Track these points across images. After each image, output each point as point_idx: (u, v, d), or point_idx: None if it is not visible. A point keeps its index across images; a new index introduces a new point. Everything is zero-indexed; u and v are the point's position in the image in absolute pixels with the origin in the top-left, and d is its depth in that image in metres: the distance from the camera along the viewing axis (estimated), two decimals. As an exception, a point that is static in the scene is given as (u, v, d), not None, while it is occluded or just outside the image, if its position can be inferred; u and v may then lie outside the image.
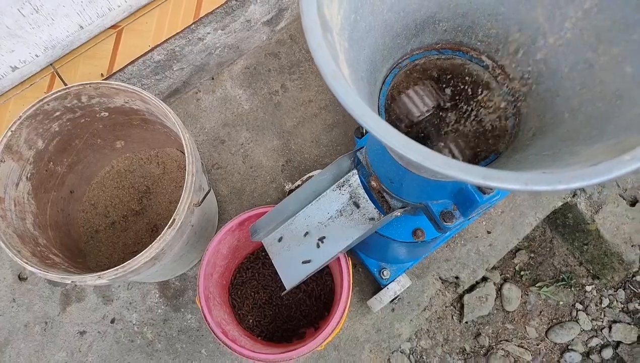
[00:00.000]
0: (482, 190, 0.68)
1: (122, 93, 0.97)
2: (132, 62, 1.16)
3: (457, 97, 0.74)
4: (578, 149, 0.47)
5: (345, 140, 1.35)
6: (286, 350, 0.94)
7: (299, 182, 1.21)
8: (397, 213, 0.81)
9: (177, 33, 1.19)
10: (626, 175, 0.38)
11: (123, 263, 0.86)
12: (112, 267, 0.86)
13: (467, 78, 0.71)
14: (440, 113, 0.75)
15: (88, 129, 1.08)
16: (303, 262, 0.94)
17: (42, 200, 1.06)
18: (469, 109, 0.72)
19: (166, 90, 1.33)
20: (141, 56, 1.17)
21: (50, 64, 1.13)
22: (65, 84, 1.13)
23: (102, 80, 1.15)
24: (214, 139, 1.35)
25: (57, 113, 0.99)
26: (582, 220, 1.31)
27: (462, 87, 0.73)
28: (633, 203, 1.30)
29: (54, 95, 0.94)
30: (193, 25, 1.20)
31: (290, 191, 1.23)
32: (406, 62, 0.71)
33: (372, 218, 0.88)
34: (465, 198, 0.70)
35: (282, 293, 1.02)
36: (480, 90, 0.71)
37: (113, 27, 1.18)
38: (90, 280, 0.85)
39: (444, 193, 0.74)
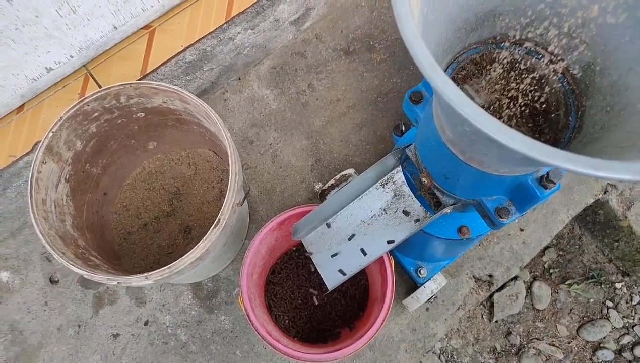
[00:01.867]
0: (543, 184, 0.67)
1: (161, 93, 0.97)
2: (165, 62, 1.16)
3: (514, 91, 0.74)
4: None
5: (374, 139, 1.35)
6: (329, 350, 0.93)
7: (332, 181, 1.21)
8: (447, 210, 0.81)
9: (210, 33, 1.19)
10: None
11: (159, 265, 0.86)
12: (148, 269, 0.86)
13: (525, 72, 0.71)
14: (499, 107, 0.75)
15: (124, 130, 1.08)
16: (345, 262, 0.94)
17: (79, 202, 1.05)
18: (528, 103, 0.72)
19: (195, 91, 1.33)
20: (174, 56, 1.16)
21: (84, 65, 1.13)
22: (99, 85, 1.12)
23: (136, 80, 1.15)
24: (242, 140, 1.35)
25: (96, 114, 0.98)
26: (613, 217, 1.30)
27: (519, 80, 0.72)
28: (665, 200, 1.30)
29: (94, 96, 0.93)
30: (225, 25, 1.20)
31: (323, 191, 1.23)
32: (464, 57, 0.71)
33: (418, 217, 0.88)
34: (524, 194, 0.70)
35: (325, 294, 1.01)
36: (539, 84, 0.70)
37: (146, 27, 1.18)
38: (136, 281, 0.85)
39: (500, 189, 0.73)
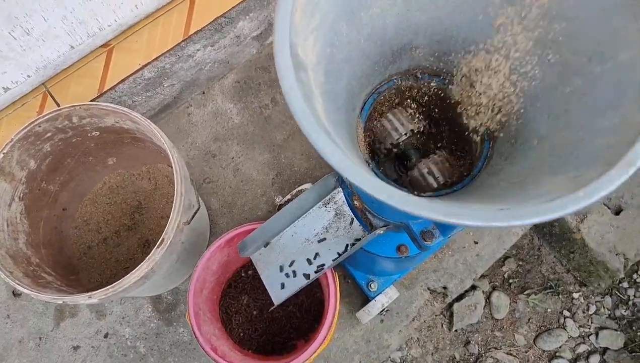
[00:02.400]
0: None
1: (112, 114, 0.99)
2: (123, 80, 1.18)
3: (434, 119, 0.76)
4: (542, 180, 0.49)
5: (334, 153, 1.37)
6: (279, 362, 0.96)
7: (288, 196, 1.23)
8: (380, 231, 0.83)
9: (167, 50, 1.21)
10: (580, 210, 0.40)
11: (115, 279, 0.88)
12: (104, 284, 0.88)
13: (444, 101, 0.73)
14: (420, 135, 0.77)
15: (80, 148, 1.10)
16: (291, 278, 0.97)
17: (35, 219, 1.08)
18: (446, 130, 0.75)
19: (157, 106, 1.35)
20: (132, 74, 1.18)
21: (42, 84, 1.15)
22: (57, 103, 1.15)
23: (94, 98, 1.17)
24: (205, 153, 1.37)
25: (49, 134, 1.01)
26: (567, 229, 1.33)
27: (439, 109, 0.75)
28: (617, 212, 1.32)
29: (45, 117, 0.96)
30: (183, 43, 1.22)
31: (281, 205, 1.25)
32: (385, 87, 0.73)
33: (357, 236, 0.90)
34: (444, 219, 0.72)
35: (270, 309, 1.04)
36: (455, 112, 0.73)
37: (104, 45, 1.20)
38: (81, 299, 0.87)
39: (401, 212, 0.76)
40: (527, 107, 0.61)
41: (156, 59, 1.20)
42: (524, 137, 0.61)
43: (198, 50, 1.28)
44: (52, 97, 1.16)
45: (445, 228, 0.75)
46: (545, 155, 0.55)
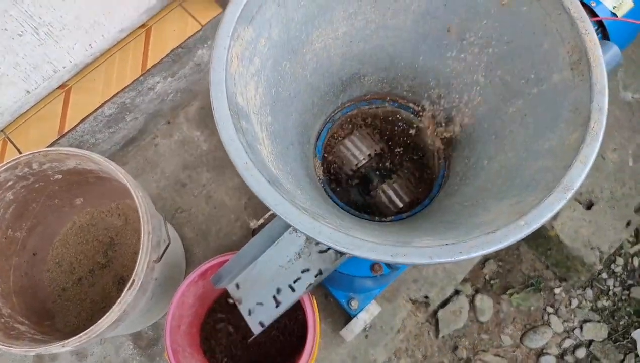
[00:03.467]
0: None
1: (72, 157, 0.98)
2: (83, 119, 1.16)
3: (391, 142, 0.76)
4: (490, 204, 0.50)
5: (305, 172, 1.37)
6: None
7: (261, 220, 1.23)
8: (347, 256, 0.83)
9: (127, 86, 1.20)
10: (521, 238, 0.41)
11: (92, 320, 0.87)
12: (81, 326, 0.87)
13: (399, 124, 0.74)
14: (381, 157, 0.78)
15: (44, 192, 1.08)
16: (268, 307, 0.96)
17: (4, 268, 1.05)
18: (404, 152, 0.75)
19: (122, 140, 1.34)
20: (92, 113, 1.17)
21: (1, 130, 1.13)
22: (18, 149, 1.13)
23: (55, 140, 1.16)
24: (175, 183, 1.36)
25: (10, 182, 0.99)
26: (542, 227, 1.34)
27: (395, 132, 0.75)
28: (589, 207, 1.34)
29: (4, 167, 0.94)
30: (141, 77, 1.22)
31: (255, 230, 1.25)
32: (338, 115, 0.74)
33: (329, 259, 0.90)
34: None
35: (251, 339, 1.03)
36: (411, 134, 0.73)
37: (61, 87, 1.18)
38: (55, 349, 0.86)
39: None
40: (475, 128, 0.62)
41: (116, 95, 1.19)
42: (476, 157, 0.61)
43: (158, 82, 1.27)
44: (11, 142, 1.14)
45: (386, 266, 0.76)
46: (494, 176, 0.55)
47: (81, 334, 0.86)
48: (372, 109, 0.74)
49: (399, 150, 0.75)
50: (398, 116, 0.73)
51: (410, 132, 0.73)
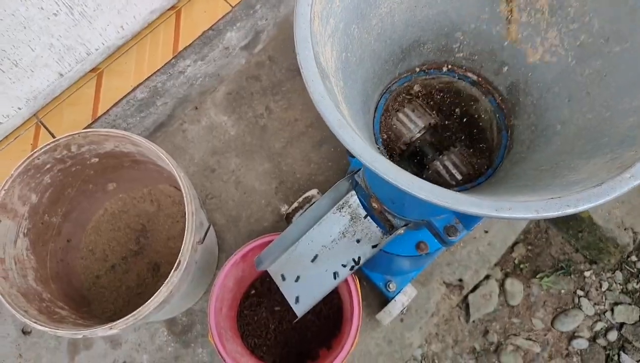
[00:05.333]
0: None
1: (112, 138, 0.97)
2: (116, 103, 1.16)
3: (449, 114, 0.75)
4: (575, 164, 0.49)
5: (335, 156, 1.36)
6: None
7: (295, 204, 1.22)
8: (401, 231, 0.82)
9: (158, 69, 1.19)
10: (628, 192, 0.40)
11: (128, 306, 0.86)
12: (118, 313, 0.86)
13: (456, 94, 0.73)
14: (435, 130, 0.77)
15: (80, 177, 1.08)
16: (311, 288, 0.95)
17: (41, 254, 1.05)
18: (461, 124, 0.74)
19: (152, 126, 1.33)
20: (124, 97, 1.17)
21: (34, 115, 1.13)
22: (51, 133, 1.12)
23: (88, 124, 1.15)
24: (204, 169, 1.35)
25: (48, 165, 0.98)
26: (574, 209, 1.33)
27: (453, 103, 0.74)
28: (621, 187, 1.33)
29: (43, 149, 0.93)
30: (173, 60, 1.21)
31: (288, 214, 1.24)
32: (395, 86, 0.73)
33: (375, 238, 0.89)
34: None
35: (294, 321, 1.02)
36: (470, 105, 0.72)
37: (93, 70, 1.17)
38: (102, 332, 0.85)
39: (447, 209, 0.75)
40: (542, 94, 0.61)
41: (147, 78, 1.19)
42: (545, 123, 0.60)
43: (188, 65, 1.26)
44: (45, 127, 1.13)
45: (468, 221, 0.75)
46: (572, 139, 0.54)
47: (128, 316, 0.85)
48: (428, 79, 0.73)
49: (455, 122, 0.74)
50: (455, 86, 0.72)
51: (467, 102, 0.72)
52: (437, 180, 0.72)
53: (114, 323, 0.85)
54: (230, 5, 1.26)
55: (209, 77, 1.37)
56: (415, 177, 0.40)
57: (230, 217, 1.31)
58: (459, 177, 0.68)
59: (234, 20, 1.29)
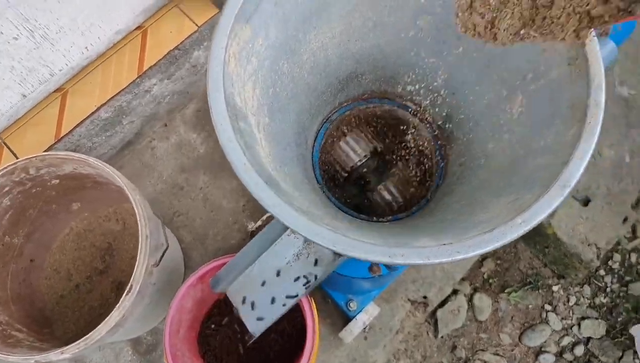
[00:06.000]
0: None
1: (69, 161, 0.97)
2: (80, 123, 1.16)
3: (389, 141, 0.77)
4: (488, 201, 0.50)
5: (302, 174, 1.37)
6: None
7: (259, 222, 1.23)
8: (345, 257, 0.83)
9: (123, 89, 1.20)
10: (518, 237, 0.41)
11: (91, 327, 0.86)
12: (80, 333, 0.86)
13: (395, 122, 0.74)
14: (377, 157, 0.78)
15: (41, 198, 1.08)
16: (267, 309, 0.96)
17: (1, 275, 1.05)
18: (401, 151, 0.75)
19: (119, 144, 1.33)
20: (88, 116, 1.17)
21: (-3, 136, 1.13)
22: (14, 154, 1.12)
23: (51, 144, 1.15)
24: (172, 187, 1.36)
25: (7, 188, 0.98)
26: (540, 224, 1.34)
27: (392, 131, 0.75)
28: (585, 203, 1.35)
29: (0, 173, 0.93)
30: (138, 80, 1.21)
31: (253, 232, 1.24)
32: (336, 115, 0.74)
33: (327, 261, 0.90)
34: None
35: (249, 343, 1.03)
36: (409, 132, 0.73)
37: (57, 90, 1.18)
38: (54, 357, 0.85)
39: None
40: (472, 127, 0.62)
41: (112, 98, 1.19)
42: (472, 156, 0.62)
43: (154, 84, 1.26)
44: (8, 148, 1.13)
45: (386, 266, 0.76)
46: (492, 175, 0.55)
47: (79, 341, 0.86)
48: (370, 108, 0.74)
49: (396, 149, 0.75)
50: (395, 115, 0.73)
51: (407, 131, 0.73)
52: (380, 204, 0.73)
53: (66, 347, 0.85)
54: (196, 25, 1.27)
55: (177, 94, 1.38)
56: (312, 223, 0.41)
57: (197, 234, 1.32)
58: (395, 206, 0.69)
59: (201, 40, 1.30)
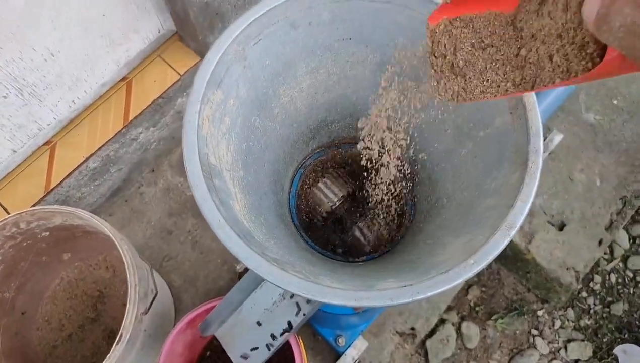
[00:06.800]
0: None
1: (58, 214, 1.01)
2: (69, 175, 1.20)
3: (362, 183, 0.81)
4: (448, 241, 0.54)
5: (288, 212, 1.41)
6: None
7: (247, 263, 1.25)
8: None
9: (110, 139, 1.24)
10: (473, 275, 0.45)
11: None
12: None
13: (367, 166, 0.78)
14: (353, 198, 0.82)
15: (32, 250, 1.11)
16: (255, 350, 0.98)
17: (-7, 329, 1.06)
18: (375, 192, 0.80)
19: (107, 192, 1.37)
20: (77, 167, 1.21)
21: (-13, 192, 1.16)
22: (5, 209, 1.15)
23: (42, 197, 1.19)
24: (161, 231, 1.39)
25: (-3, 243, 1.01)
26: (519, 251, 1.39)
27: (364, 173, 0.80)
28: (561, 228, 1.39)
29: (-9, 229, 0.96)
30: (124, 129, 1.26)
31: (241, 273, 1.27)
32: (310, 161, 0.78)
33: (310, 300, 0.93)
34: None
35: (240, 383, 1.04)
36: (379, 174, 0.78)
37: (46, 143, 1.22)
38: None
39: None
40: (434, 168, 0.66)
41: (100, 148, 1.23)
42: (436, 196, 0.66)
43: (141, 132, 1.31)
44: (-1, 203, 1.17)
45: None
46: (452, 214, 0.60)
47: (72, 392, 0.87)
48: (341, 153, 0.79)
49: (369, 190, 0.79)
50: (365, 158, 0.78)
51: (378, 173, 0.77)
52: (357, 244, 0.77)
53: (58, 400, 0.86)
54: (179, 73, 1.33)
55: (164, 140, 1.43)
56: (285, 273, 0.45)
57: (187, 277, 1.34)
58: (368, 247, 0.73)
59: (184, 88, 1.36)
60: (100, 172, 1.29)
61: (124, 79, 1.33)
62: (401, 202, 0.76)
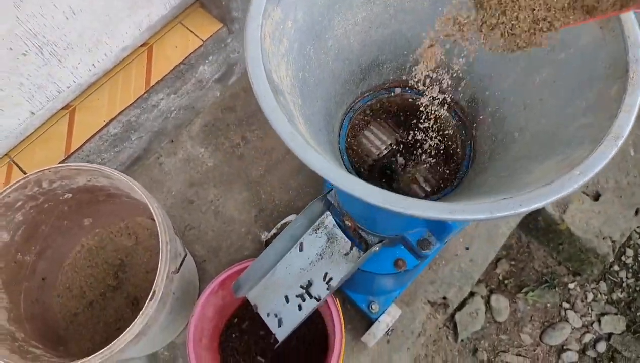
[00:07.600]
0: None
1: (83, 172, 0.96)
2: (89, 139, 1.15)
3: (413, 130, 0.77)
4: (531, 168, 0.50)
5: (313, 182, 1.37)
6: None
7: (274, 231, 1.21)
8: (376, 248, 0.82)
9: (131, 104, 1.19)
10: (578, 188, 0.41)
11: (107, 343, 0.84)
12: (96, 350, 0.83)
13: (418, 111, 0.74)
14: (402, 146, 0.78)
15: (53, 213, 1.06)
16: (291, 311, 0.94)
17: (14, 293, 1.02)
18: (426, 139, 0.75)
19: (127, 160, 1.32)
20: (97, 132, 1.16)
21: (6, 154, 1.12)
22: (24, 172, 1.11)
23: (61, 161, 1.14)
24: (182, 201, 1.35)
25: (19, 203, 0.97)
26: (552, 222, 1.35)
27: (417, 119, 0.75)
28: (596, 198, 1.35)
29: (13, 187, 0.92)
30: (145, 95, 1.21)
31: (267, 241, 1.23)
32: (359, 105, 0.74)
33: (352, 257, 0.89)
34: (440, 224, 0.72)
35: (275, 347, 1.00)
36: (433, 119, 0.73)
37: (65, 107, 1.18)
38: (76, 369, 0.82)
39: (418, 223, 0.75)
40: (499, 105, 0.62)
41: (120, 113, 1.19)
42: (504, 132, 0.62)
43: (162, 99, 1.27)
44: (17, 166, 1.12)
45: (440, 234, 0.75)
46: (528, 145, 0.55)
47: (103, 350, 0.83)
48: (392, 97, 0.74)
49: (420, 136, 0.75)
50: (417, 103, 0.73)
51: (430, 117, 0.73)
52: (407, 193, 0.73)
53: (87, 359, 0.82)
54: (201, 40, 1.28)
55: (184, 109, 1.38)
56: (367, 184, 0.41)
57: (210, 247, 1.30)
58: (427, 189, 0.69)
59: (206, 54, 1.31)
60: (121, 138, 1.24)
61: (144, 44, 1.28)
62: (456, 146, 0.71)
